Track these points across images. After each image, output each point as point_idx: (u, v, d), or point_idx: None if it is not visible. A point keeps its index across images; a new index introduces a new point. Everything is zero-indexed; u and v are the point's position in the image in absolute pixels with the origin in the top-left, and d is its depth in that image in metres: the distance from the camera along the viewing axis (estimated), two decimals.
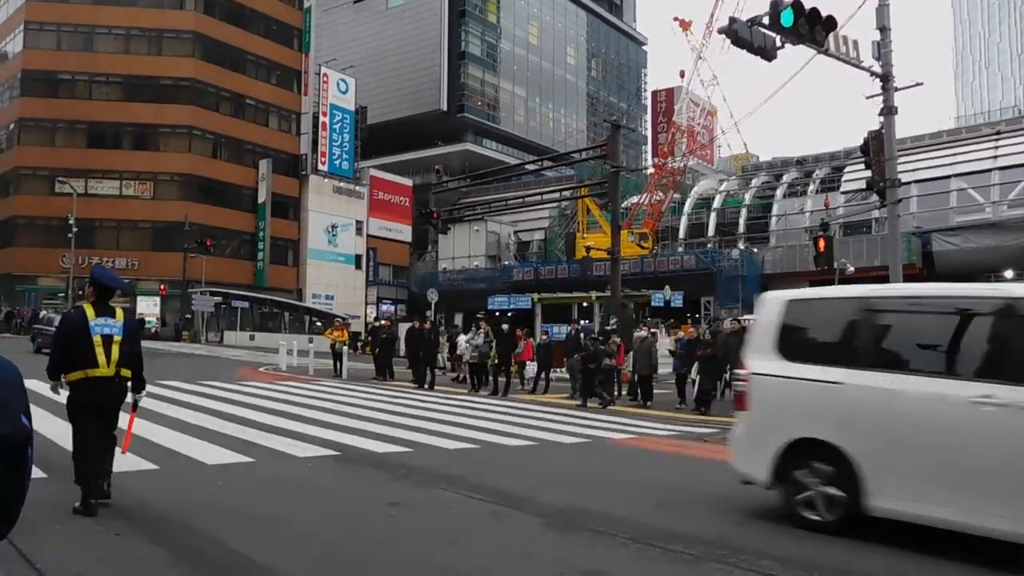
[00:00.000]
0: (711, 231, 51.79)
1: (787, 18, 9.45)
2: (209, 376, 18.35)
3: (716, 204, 53.13)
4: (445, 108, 73.64)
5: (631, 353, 15.52)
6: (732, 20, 9.75)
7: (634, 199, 59.09)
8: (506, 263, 57.49)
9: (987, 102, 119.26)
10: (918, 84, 11.75)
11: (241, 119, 51.08)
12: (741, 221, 50.08)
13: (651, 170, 57.78)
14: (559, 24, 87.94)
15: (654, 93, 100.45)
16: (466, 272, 58.57)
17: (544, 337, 17.46)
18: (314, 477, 6.83)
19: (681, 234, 52.79)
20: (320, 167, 55.65)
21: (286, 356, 23.43)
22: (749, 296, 42.01)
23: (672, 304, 28.61)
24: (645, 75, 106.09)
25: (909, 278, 38.24)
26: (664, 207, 52.14)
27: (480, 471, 7.26)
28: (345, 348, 20.60)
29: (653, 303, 28.60)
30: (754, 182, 53.24)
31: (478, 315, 20.54)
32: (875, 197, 45.42)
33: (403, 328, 23.08)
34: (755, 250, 44.52)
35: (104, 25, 47.68)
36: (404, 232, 65.31)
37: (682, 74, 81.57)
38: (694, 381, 14.00)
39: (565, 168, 67.44)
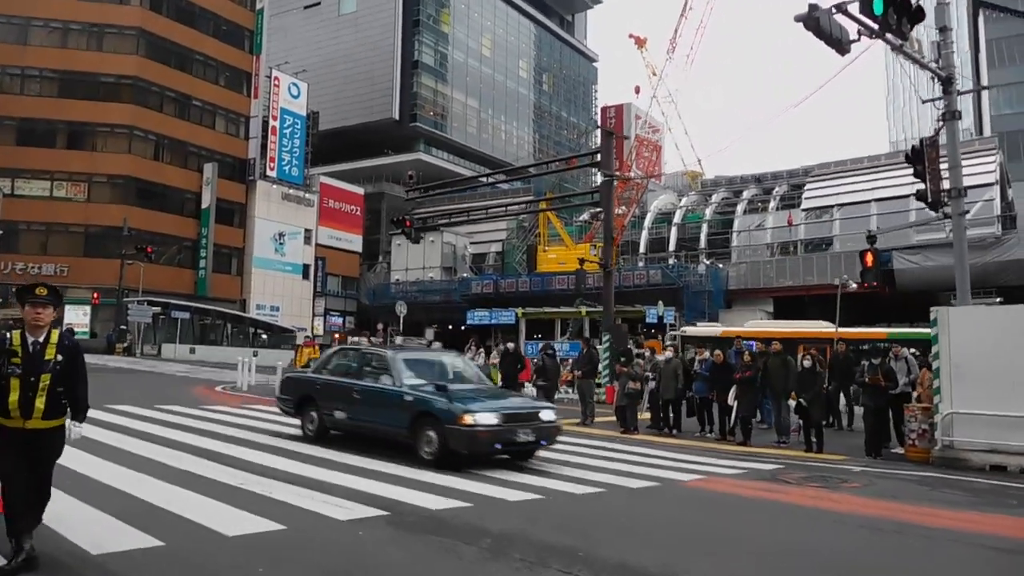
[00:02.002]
0: (672, 246, 51.37)
1: (879, 6, 8.39)
2: (164, 398, 16.43)
3: (677, 219, 52.76)
4: (397, 117, 72.30)
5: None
6: (813, 7, 8.62)
7: (595, 211, 58.51)
8: (464, 275, 55.93)
9: (916, 129, 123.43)
10: (984, 88, 10.81)
11: (186, 120, 48.48)
12: (702, 236, 49.82)
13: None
14: (511, 37, 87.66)
15: (603, 109, 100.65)
16: (420, 284, 56.80)
17: (547, 357, 15.95)
18: (379, 555, 5.25)
19: (642, 248, 52.24)
20: (269, 173, 53.40)
21: (245, 375, 21.49)
22: (715, 311, 41.62)
23: (665, 320, 27.51)
24: (596, 91, 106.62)
25: (871, 296, 38.20)
26: (626, 221, 51.51)
27: (577, 535, 5.82)
28: None
29: (648, 319, 27.45)
30: (714, 198, 53.12)
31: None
32: (837, 213, 45.15)
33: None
34: (720, 266, 44.15)
35: (40, 17, 44.80)
36: (354, 242, 63.34)
37: (637, 90, 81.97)
38: (730, 408, 12.79)
39: (518, 181, 66.73)
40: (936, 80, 10.80)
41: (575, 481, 8.07)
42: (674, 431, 13.47)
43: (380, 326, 55.65)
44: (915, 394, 11.42)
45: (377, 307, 58.45)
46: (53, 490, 4.93)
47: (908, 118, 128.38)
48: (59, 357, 4.76)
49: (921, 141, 11.64)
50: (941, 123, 10.99)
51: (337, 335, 51.01)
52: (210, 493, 6.77)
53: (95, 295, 42.20)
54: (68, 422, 4.92)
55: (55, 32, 45.23)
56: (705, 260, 46.25)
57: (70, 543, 5.08)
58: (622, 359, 13.57)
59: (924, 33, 10.29)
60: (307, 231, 57.05)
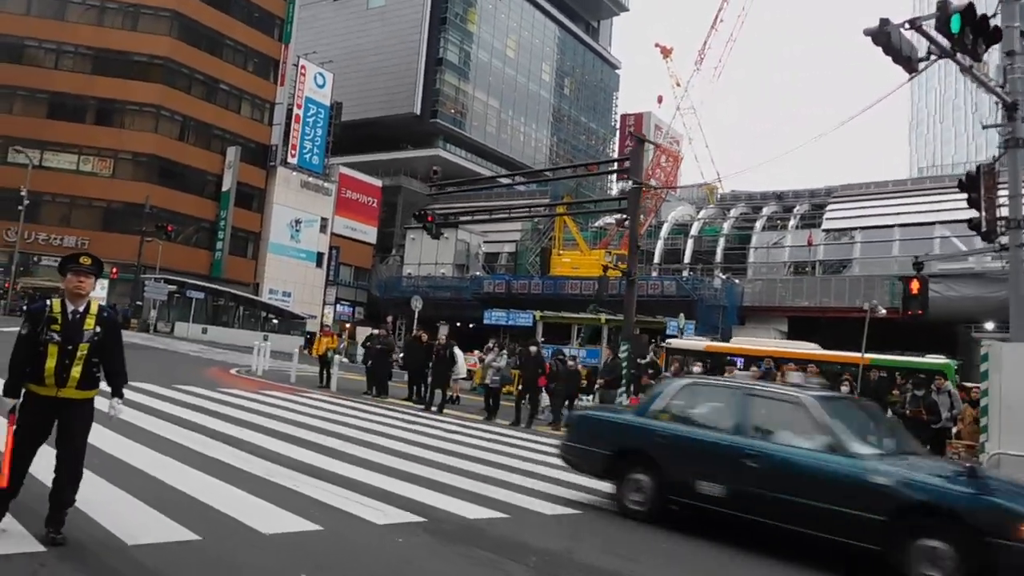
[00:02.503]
0: (687, 258, 51.00)
1: (955, 23, 8.10)
2: (181, 378, 16.33)
3: (694, 231, 52.39)
4: (418, 112, 72.30)
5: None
6: (884, 22, 8.34)
7: (608, 219, 58.16)
8: (477, 273, 55.71)
9: (940, 155, 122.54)
10: None
11: (213, 103, 48.75)
12: (719, 250, 49.42)
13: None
14: (536, 40, 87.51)
15: (623, 117, 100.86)
16: (432, 280, 56.64)
17: (572, 362, 15.66)
18: (425, 568, 5.02)
19: (656, 259, 51.88)
20: (290, 160, 53.44)
21: (260, 359, 21.30)
22: (728, 327, 41.18)
23: (684, 333, 27.19)
24: (616, 98, 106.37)
25: (887, 322, 37.77)
26: (643, 230, 51.18)
27: (624, 559, 5.60)
28: (337, 357, 18.57)
29: (668, 331, 27.13)
30: (733, 212, 52.72)
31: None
32: (857, 236, 44.68)
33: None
34: (736, 281, 43.75)
35: None
36: (369, 233, 63.30)
37: (660, 100, 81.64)
38: None
39: (534, 184, 66.48)
40: (1000, 105, 10.47)
41: (609, 496, 7.80)
42: None
43: (389, 319, 55.54)
44: (955, 430, 11.10)
45: (387, 300, 58.29)
46: (85, 471, 4.74)
47: (932, 146, 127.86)
48: (98, 328, 4.74)
49: (978, 168, 11.32)
50: (1002, 150, 10.66)
51: (348, 325, 50.91)
52: (240, 484, 6.57)
53: (114, 270, 42.18)
54: (111, 402, 4.91)
55: (92, 10, 45.82)
56: (721, 275, 45.82)
57: (104, 530, 4.90)
58: (650, 371, 13.29)
59: (988, 56, 9.98)
60: (323, 220, 57.03)
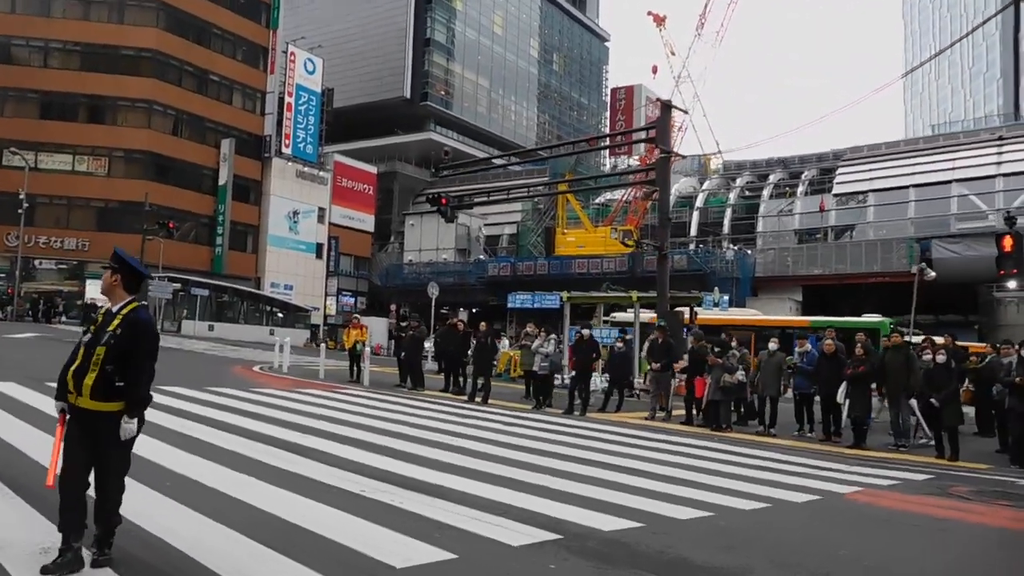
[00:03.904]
0: (693, 231, 50.39)
1: None
2: (209, 379, 15.77)
3: (699, 203, 51.76)
4: (408, 95, 71.30)
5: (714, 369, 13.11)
6: None
7: (609, 195, 57.44)
8: (480, 257, 55.02)
9: (937, 114, 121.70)
10: None
11: (204, 95, 47.78)
12: (726, 222, 48.82)
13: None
14: (524, 15, 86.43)
15: (614, 91, 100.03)
16: (434, 265, 56.03)
17: (620, 344, 15.02)
18: None
19: None
20: (284, 150, 52.52)
21: (282, 354, 20.66)
22: (742, 299, 40.68)
23: (721, 307, 26.64)
24: (606, 72, 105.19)
25: (907, 286, 37.28)
26: (648, 204, 50.50)
27: (798, 568, 5.01)
28: (367, 349, 17.93)
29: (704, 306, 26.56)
30: (738, 181, 52.06)
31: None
32: (870, 199, 44.21)
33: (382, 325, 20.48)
34: (748, 252, 43.17)
35: None
36: (366, 221, 62.50)
37: (655, 70, 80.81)
38: (839, 406, 11.74)
39: (529, 163, 65.55)
40: None
41: (730, 493, 7.20)
42: (771, 431, 12.50)
43: (393, 308, 54.90)
44: None
45: (389, 288, 57.59)
46: (160, 496, 4.19)
47: (928, 103, 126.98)
48: (119, 330, 4.15)
49: None
50: None
51: (356, 316, 50.28)
52: (336, 503, 5.90)
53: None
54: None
55: (77, 5, 44.77)
56: (732, 246, 45.23)
57: (212, 573, 4.22)
58: (716, 349, 12.65)
59: None
60: (321, 209, 56.24)
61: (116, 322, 4.16)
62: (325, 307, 56.00)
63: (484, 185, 46.98)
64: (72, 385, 4.08)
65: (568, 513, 6.01)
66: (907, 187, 40.99)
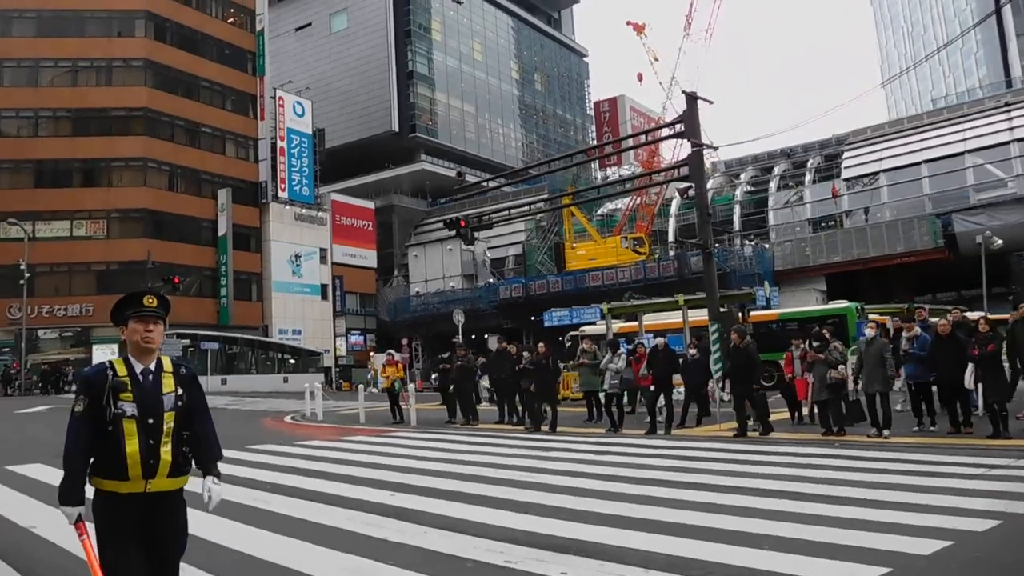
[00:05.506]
0: None
1: None
2: (243, 437, 15.03)
3: None
4: (396, 129, 71.15)
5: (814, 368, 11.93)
6: None
7: (611, 205, 56.99)
8: (490, 281, 54.41)
9: (917, 93, 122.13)
10: None
11: (197, 148, 47.59)
12: (735, 218, 48.16)
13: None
14: (501, 39, 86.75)
15: (597, 104, 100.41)
16: (443, 294, 55.44)
17: (694, 351, 13.89)
18: None
19: (671, 236, 50.59)
20: (280, 194, 52.07)
21: (315, 402, 19.95)
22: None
23: (772, 303, 26.12)
24: (588, 86, 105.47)
25: (935, 263, 36.48)
26: (656, 209, 50.10)
27: None
28: (411, 386, 17.19)
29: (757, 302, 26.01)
30: (742, 177, 51.48)
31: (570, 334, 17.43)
32: (883, 180, 43.33)
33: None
34: (766, 246, 42.48)
35: (49, 58, 44.55)
36: (369, 258, 61.94)
37: (640, 77, 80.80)
38: (970, 391, 10.70)
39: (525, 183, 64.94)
40: None
41: (940, 512, 6.24)
42: (884, 432, 10.99)
43: (404, 342, 54.17)
44: None
45: (398, 323, 56.88)
46: None
47: (906, 85, 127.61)
48: (179, 390, 3.37)
49: None
50: None
51: (378, 354, 49.54)
52: None
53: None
54: (204, 483, 3.43)
55: (65, 71, 44.89)
56: (749, 242, 44.61)
57: None
58: (815, 344, 11.70)
59: None
60: (322, 250, 55.74)
61: (170, 382, 3.37)
62: (335, 348, 55.25)
63: (483, 209, 46.46)
64: (140, 470, 3.19)
65: (817, 570, 4.92)
66: (919, 163, 40.29)
